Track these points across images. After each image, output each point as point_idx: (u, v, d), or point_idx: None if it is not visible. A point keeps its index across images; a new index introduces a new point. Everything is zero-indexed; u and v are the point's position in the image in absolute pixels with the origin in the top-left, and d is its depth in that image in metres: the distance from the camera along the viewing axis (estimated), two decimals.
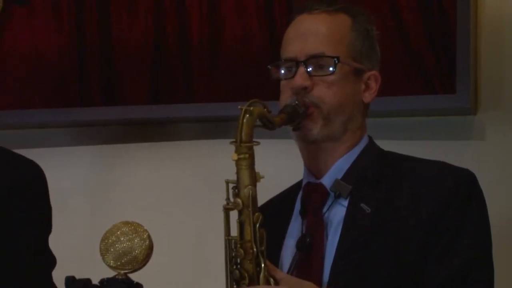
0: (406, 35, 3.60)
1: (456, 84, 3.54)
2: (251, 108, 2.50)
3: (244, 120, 2.50)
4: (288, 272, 2.56)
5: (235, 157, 2.48)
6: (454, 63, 3.55)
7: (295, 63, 2.62)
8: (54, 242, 2.67)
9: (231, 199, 2.49)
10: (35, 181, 2.63)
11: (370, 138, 2.70)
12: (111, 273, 2.33)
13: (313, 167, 2.67)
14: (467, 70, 3.53)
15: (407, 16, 3.62)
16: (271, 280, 2.45)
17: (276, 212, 2.68)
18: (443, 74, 3.58)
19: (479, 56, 3.59)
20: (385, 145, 2.74)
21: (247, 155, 2.48)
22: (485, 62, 3.59)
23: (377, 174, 2.63)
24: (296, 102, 2.58)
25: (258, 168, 2.49)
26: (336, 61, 2.61)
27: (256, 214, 2.47)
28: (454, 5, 3.55)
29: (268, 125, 2.53)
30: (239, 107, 2.52)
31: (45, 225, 2.63)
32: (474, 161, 3.23)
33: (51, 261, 2.61)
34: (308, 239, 2.57)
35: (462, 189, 2.58)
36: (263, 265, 2.45)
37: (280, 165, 2.95)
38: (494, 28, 3.58)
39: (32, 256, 2.56)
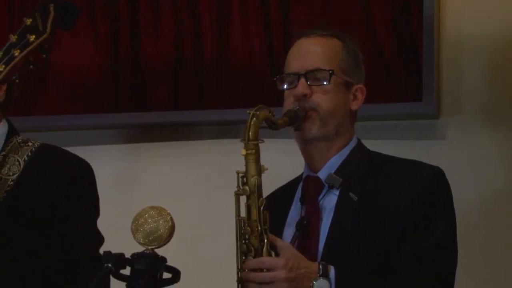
0: (381, 54, 3.62)
1: (422, 94, 3.54)
2: (258, 112, 2.53)
3: (252, 122, 2.51)
4: None
5: (244, 152, 2.50)
6: (421, 76, 3.55)
7: (296, 76, 2.63)
8: None
9: (241, 187, 2.50)
10: (87, 175, 2.63)
11: (358, 139, 2.71)
12: (140, 249, 2.31)
13: (311, 163, 2.67)
14: (431, 82, 3.53)
15: (382, 38, 3.63)
16: (273, 253, 2.46)
17: (282, 198, 2.69)
18: (412, 85, 3.58)
19: (442, 70, 3.59)
20: (366, 143, 2.74)
21: (253, 151, 2.49)
22: (446, 75, 3.58)
23: (364, 169, 2.64)
24: (297, 107, 2.59)
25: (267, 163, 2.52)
26: (331, 74, 2.61)
27: (261, 199, 2.48)
28: (421, 29, 3.55)
29: (272, 126, 2.56)
30: (247, 111, 2.54)
31: (96, 210, 2.64)
32: (437, 157, 3.21)
33: (101, 240, 2.63)
34: (305, 221, 2.57)
35: (434, 184, 2.58)
36: (266, 240, 2.46)
37: (283, 161, 2.94)
38: (454, 47, 3.58)
39: (87, 235, 2.58)
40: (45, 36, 2.36)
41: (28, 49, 2.35)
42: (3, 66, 2.36)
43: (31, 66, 2.40)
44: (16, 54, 2.35)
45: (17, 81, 2.57)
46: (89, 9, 3.88)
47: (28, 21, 2.36)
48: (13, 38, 2.36)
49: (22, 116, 3.70)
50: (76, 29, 3.82)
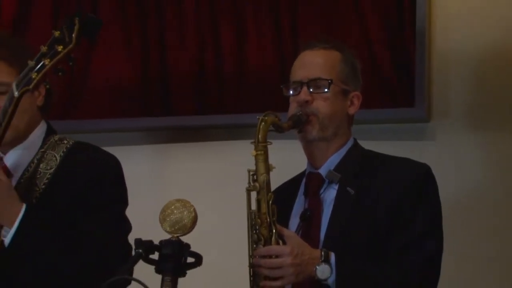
0: (378, 65, 3.61)
1: (414, 100, 3.53)
2: (266, 117, 2.55)
3: (261, 126, 2.53)
4: None
5: (254, 153, 2.51)
6: (413, 85, 3.55)
7: (300, 84, 2.63)
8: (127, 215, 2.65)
9: (252, 183, 2.52)
10: (114, 168, 2.62)
11: (355, 140, 2.70)
12: (167, 236, 2.31)
13: (313, 161, 2.67)
14: (422, 90, 3.53)
15: (378, 51, 3.62)
16: (280, 242, 2.48)
17: (287, 192, 2.69)
18: (405, 93, 3.58)
19: (432, 79, 3.57)
20: (365, 144, 2.75)
21: (262, 152, 2.51)
22: (436, 84, 3.57)
23: (359, 166, 2.63)
24: (300, 112, 2.59)
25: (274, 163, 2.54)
26: (330, 82, 2.61)
27: (269, 194, 2.50)
28: (413, 42, 3.56)
29: (279, 130, 2.57)
30: (257, 117, 2.55)
31: (123, 200, 2.63)
32: (427, 156, 3.15)
33: (129, 227, 2.62)
34: (308, 213, 2.57)
35: (421, 178, 2.58)
36: (274, 230, 2.48)
37: (288, 160, 2.92)
38: (443, 59, 3.57)
39: (116, 222, 2.56)
40: (71, 46, 2.31)
41: (57, 58, 2.32)
42: (36, 73, 2.34)
43: (60, 73, 2.37)
44: (46, 63, 2.32)
45: (47, 86, 2.59)
46: (122, 27, 3.90)
47: (57, 33, 2.33)
48: (43, 48, 2.33)
49: (64, 120, 3.72)
50: (111, 44, 3.87)
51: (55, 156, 2.57)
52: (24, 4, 3.98)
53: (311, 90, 2.60)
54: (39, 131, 2.62)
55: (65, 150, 2.59)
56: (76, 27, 2.32)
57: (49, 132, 2.64)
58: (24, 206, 2.43)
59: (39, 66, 2.34)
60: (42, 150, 2.59)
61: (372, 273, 2.47)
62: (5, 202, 2.42)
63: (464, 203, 3.47)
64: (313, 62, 2.64)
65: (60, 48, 2.32)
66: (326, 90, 2.60)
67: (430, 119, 3.56)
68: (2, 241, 2.43)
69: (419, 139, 3.55)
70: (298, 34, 3.70)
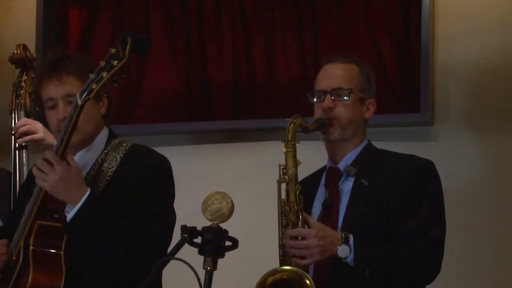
0: (387, 76, 3.61)
1: (420, 106, 3.54)
2: (295, 120, 2.56)
3: (290, 128, 2.55)
4: None
5: (284, 150, 2.53)
6: (418, 93, 3.55)
7: (324, 93, 2.64)
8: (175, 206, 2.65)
9: (282, 176, 2.53)
10: (165, 167, 2.63)
11: (369, 140, 2.72)
12: (208, 223, 2.29)
13: (333, 157, 2.68)
14: (427, 97, 3.53)
15: (388, 64, 3.63)
16: (306, 226, 2.48)
17: (310, 184, 2.69)
18: (412, 100, 3.58)
19: (435, 89, 3.56)
20: (377, 144, 2.75)
21: (291, 149, 2.53)
22: (438, 92, 3.56)
23: (372, 162, 2.63)
24: (324, 116, 2.61)
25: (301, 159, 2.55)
26: (350, 91, 2.62)
27: (297, 185, 2.52)
28: (419, 56, 3.55)
29: (305, 131, 2.59)
30: (287, 119, 2.57)
31: (172, 194, 2.64)
32: (431, 156, 2.99)
33: (175, 217, 2.61)
34: (329, 202, 2.59)
35: (426, 171, 2.60)
36: (301, 216, 2.49)
37: (312, 157, 2.90)
38: (444, 71, 3.56)
39: (166, 214, 2.57)
40: (124, 61, 2.32)
41: (113, 71, 2.32)
42: (95, 84, 2.34)
43: (115, 84, 2.37)
44: (104, 75, 2.33)
45: (105, 95, 2.61)
46: (169, 45, 3.92)
47: (113, 50, 2.34)
48: (102, 63, 2.34)
49: (121, 124, 3.74)
50: (161, 59, 3.88)
51: (115, 157, 2.58)
52: (88, 28, 4.04)
53: (333, 98, 2.61)
54: (103, 135, 2.63)
55: (124, 151, 2.60)
56: (128, 45, 2.33)
57: (111, 136, 2.65)
58: (89, 190, 2.46)
59: (98, 78, 2.35)
60: (105, 151, 2.61)
61: (385, 252, 2.48)
62: (74, 185, 2.44)
63: (462, 196, 3.45)
64: (335, 74, 2.64)
65: (115, 62, 2.33)
66: (346, 98, 2.61)
67: (434, 123, 3.56)
68: (65, 216, 2.45)
69: (423, 140, 3.55)
70: (319, 51, 3.72)
